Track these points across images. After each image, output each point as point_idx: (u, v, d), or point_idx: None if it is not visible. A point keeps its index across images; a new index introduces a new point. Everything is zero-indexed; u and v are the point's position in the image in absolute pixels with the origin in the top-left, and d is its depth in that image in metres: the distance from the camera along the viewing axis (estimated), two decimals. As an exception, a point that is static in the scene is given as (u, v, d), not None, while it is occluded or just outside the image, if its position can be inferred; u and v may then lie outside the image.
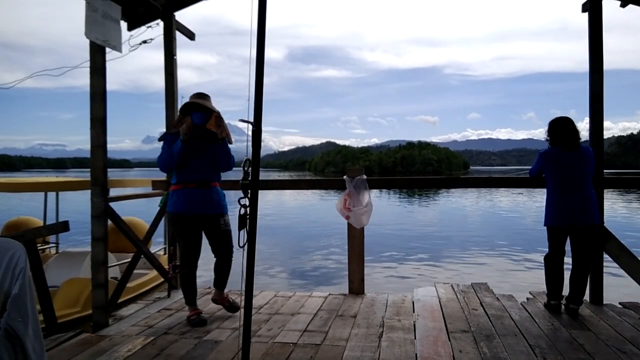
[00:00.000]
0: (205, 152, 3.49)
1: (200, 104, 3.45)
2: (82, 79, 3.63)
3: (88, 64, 3.51)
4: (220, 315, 3.73)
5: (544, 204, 3.84)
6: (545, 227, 3.82)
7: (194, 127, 3.46)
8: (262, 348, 3.02)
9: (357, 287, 4.36)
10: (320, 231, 14.17)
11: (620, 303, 3.97)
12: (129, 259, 4.25)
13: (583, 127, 3.84)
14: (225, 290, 3.78)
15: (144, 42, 4.16)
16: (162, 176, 4.66)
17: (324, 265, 9.63)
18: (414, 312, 3.79)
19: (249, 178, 2.06)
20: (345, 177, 4.18)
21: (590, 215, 3.65)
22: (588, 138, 4.03)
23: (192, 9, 4.64)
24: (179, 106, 4.52)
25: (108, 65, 3.57)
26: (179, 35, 4.61)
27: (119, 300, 4.08)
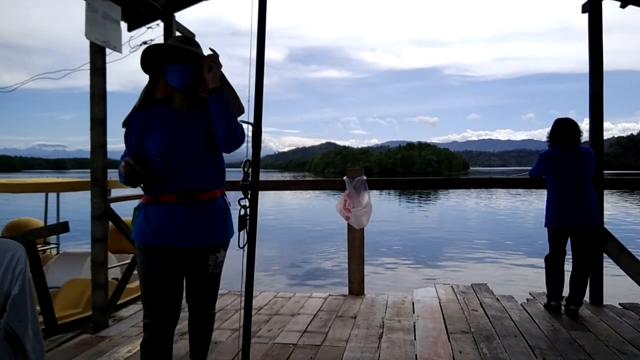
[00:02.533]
0: (194, 141, 2.04)
1: (174, 48, 2.02)
2: (83, 80, 3.64)
3: (88, 65, 3.51)
4: (220, 316, 3.73)
5: (544, 204, 3.84)
6: (545, 228, 3.83)
7: (167, 99, 2.12)
8: (262, 349, 3.02)
9: (357, 288, 4.36)
10: (320, 232, 14.17)
11: (620, 304, 3.97)
12: (130, 260, 4.25)
13: (583, 128, 3.85)
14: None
15: (145, 43, 4.16)
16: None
17: (324, 266, 9.63)
18: (414, 313, 3.79)
19: (249, 179, 2.06)
20: (345, 177, 4.18)
21: (591, 217, 3.65)
22: (588, 139, 4.03)
23: (192, 9, 4.62)
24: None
25: (108, 66, 3.58)
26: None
27: (119, 301, 4.08)
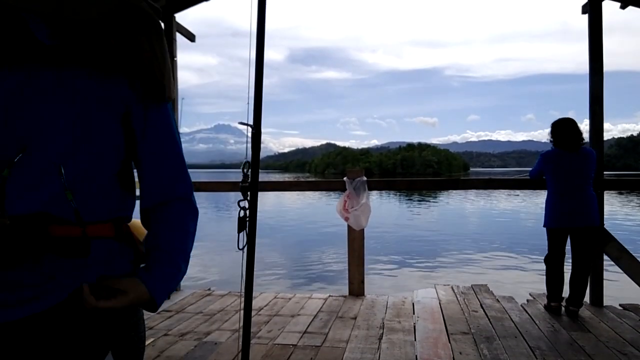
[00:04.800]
0: (62, 117, 0.82)
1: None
2: (83, 81, 3.64)
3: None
4: (220, 317, 3.73)
5: (544, 204, 3.84)
6: (544, 229, 3.83)
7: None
8: (262, 350, 3.02)
9: (357, 289, 4.36)
10: (320, 233, 14.17)
11: (620, 305, 3.97)
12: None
13: (582, 128, 3.85)
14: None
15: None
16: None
17: (324, 267, 9.63)
18: (414, 313, 3.79)
19: (249, 180, 2.06)
20: (345, 178, 4.18)
21: (589, 217, 3.65)
22: (588, 139, 4.03)
23: (193, 10, 4.69)
24: (180, 107, 4.50)
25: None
26: (179, 37, 4.61)
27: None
